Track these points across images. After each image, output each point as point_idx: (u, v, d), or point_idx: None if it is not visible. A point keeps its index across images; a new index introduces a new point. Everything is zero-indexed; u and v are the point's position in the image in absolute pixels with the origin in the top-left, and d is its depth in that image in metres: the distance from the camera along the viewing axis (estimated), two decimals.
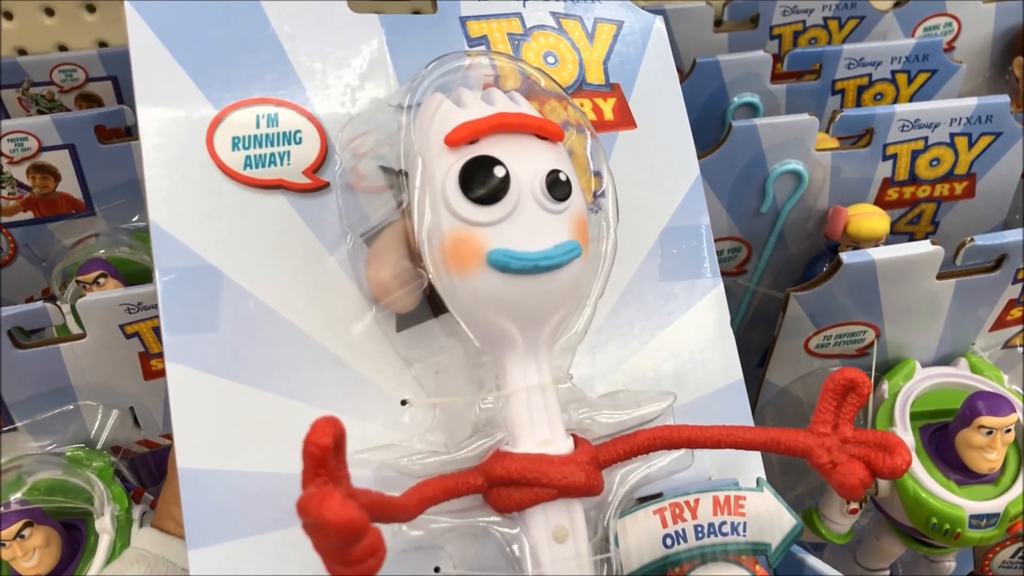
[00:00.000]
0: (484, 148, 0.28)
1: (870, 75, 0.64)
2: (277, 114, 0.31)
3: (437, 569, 0.30)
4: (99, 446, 0.45)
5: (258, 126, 0.31)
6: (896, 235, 0.59)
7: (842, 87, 0.64)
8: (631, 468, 0.32)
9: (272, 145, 0.31)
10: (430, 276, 0.28)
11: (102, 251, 0.57)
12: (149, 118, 0.30)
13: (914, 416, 0.46)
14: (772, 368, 0.50)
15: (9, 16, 0.66)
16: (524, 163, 0.28)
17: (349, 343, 0.31)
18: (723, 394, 0.36)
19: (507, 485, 0.28)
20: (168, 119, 0.30)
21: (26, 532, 0.40)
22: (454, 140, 0.28)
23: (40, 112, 0.66)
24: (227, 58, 0.31)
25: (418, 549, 0.29)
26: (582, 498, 0.29)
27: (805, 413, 0.50)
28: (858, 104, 0.65)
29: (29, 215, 0.57)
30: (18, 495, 0.41)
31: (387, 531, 0.26)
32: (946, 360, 0.50)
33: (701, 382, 0.35)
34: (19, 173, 0.56)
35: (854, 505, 0.48)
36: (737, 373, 0.36)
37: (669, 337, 0.35)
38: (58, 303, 0.55)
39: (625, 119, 0.37)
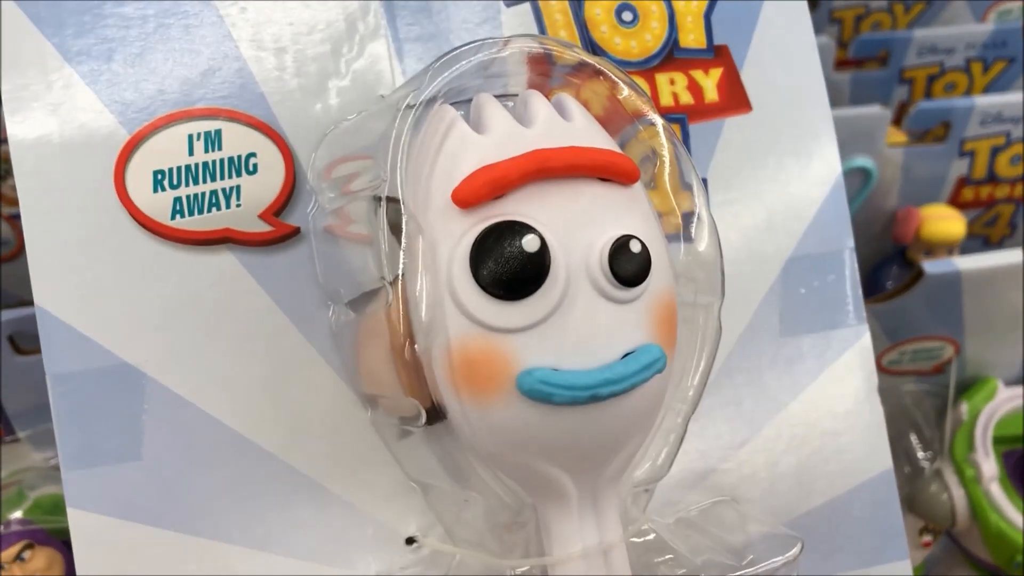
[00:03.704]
0: (513, 205, 0.19)
1: (942, 63, 0.59)
2: (219, 131, 0.22)
3: None
4: None
5: (191, 152, 0.22)
6: (969, 238, 0.55)
7: (911, 76, 0.60)
8: None
9: (213, 179, 0.22)
10: (436, 397, 0.20)
11: None
12: (25, 149, 0.21)
13: (997, 440, 0.44)
14: None
15: None
16: (574, 228, 0.19)
17: (332, 462, 0.23)
18: (864, 492, 0.27)
19: None
20: (54, 150, 0.22)
21: (26, 554, 0.38)
22: (466, 198, 0.18)
23: None
24: (141, 55, 0.23)
25: None
26: None
27: None
28: (928, 95, 0.61)
29: None
30: (18, 513, 0.39)
31: None
32: None
33: (835, 479, 0.27)
34: None
35: (927, 538, 0.44)
36: (886, 460, 0.27)
37: (791, 417, 0.27)
38: None
39: (735, 99, 0.27)
